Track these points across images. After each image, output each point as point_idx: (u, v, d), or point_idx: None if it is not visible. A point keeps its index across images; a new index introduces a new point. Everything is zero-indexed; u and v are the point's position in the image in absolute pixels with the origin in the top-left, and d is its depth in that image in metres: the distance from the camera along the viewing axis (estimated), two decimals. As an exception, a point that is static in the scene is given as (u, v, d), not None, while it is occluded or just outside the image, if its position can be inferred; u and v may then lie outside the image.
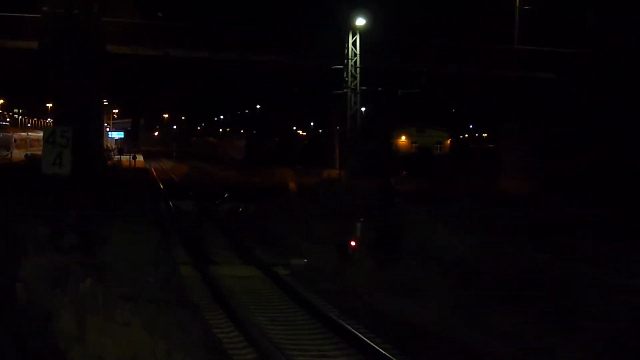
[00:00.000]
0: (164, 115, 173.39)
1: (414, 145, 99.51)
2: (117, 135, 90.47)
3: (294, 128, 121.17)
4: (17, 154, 65.59)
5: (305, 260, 22.18)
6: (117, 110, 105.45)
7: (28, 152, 67.12)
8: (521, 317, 14.44)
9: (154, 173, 69.76)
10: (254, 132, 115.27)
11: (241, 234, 29.20)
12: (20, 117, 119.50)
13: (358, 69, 42.17)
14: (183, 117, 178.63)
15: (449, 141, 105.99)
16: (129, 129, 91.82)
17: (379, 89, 43.45)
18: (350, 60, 42.31)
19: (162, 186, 50.80)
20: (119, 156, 65.03)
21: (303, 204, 39.30)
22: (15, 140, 72.13)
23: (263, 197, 42.19)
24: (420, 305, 15.81)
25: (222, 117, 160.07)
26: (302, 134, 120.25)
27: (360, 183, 43.89)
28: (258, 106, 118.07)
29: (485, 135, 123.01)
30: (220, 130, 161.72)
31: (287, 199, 45.88)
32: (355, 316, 14.98)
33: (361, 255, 20.51)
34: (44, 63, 42.19)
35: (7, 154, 63.18)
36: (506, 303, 15.27)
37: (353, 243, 20.42)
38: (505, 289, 15.92)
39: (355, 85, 42.19)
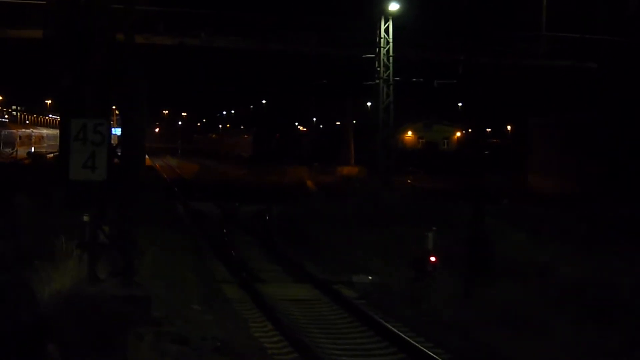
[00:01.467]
0: (164, 112, 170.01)
1: (420, 140, 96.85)
2: (118, 131, 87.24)
3: (296, 124, 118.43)
4: (21, 152, 62.27)
5: (370, 278, 18.84)
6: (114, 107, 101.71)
7: (30, 150, 63.77)
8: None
9: (162, 172, 66.43)
10: (259, 128, 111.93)
11: (278, 242, 25.84)
12: (19, 113, 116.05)
13: (391, 58, 38.71)
14: (184, 114, 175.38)
15: (456, 136, 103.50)
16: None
17: (414, 79, 39.99)
18: (382, 49, 38.82)
19: (175, 187, 47.51)
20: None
21: (332, 206, 36.17)
22: (20, 137, 68.75)
23: (284, 197, 39.34)
24: (547, 348, 12.41)
25: (224, 113, 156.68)
26: (303, 130, 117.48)
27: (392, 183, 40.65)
28: (264, 101, 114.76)
29: (490, 130, 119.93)
30: (220, 126, 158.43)
31: (313, 199, 42.78)
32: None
33: (441, 273, 17.15)
34: (50, 53, 39.00)
35: (13, 152, 59.80)
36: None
37: (433, 258, 17.02)
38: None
39: (388, 75, 38.72)
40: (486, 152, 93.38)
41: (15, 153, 59.53)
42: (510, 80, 48.82)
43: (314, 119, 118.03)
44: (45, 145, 74.44)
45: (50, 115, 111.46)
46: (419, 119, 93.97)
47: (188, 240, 24.35)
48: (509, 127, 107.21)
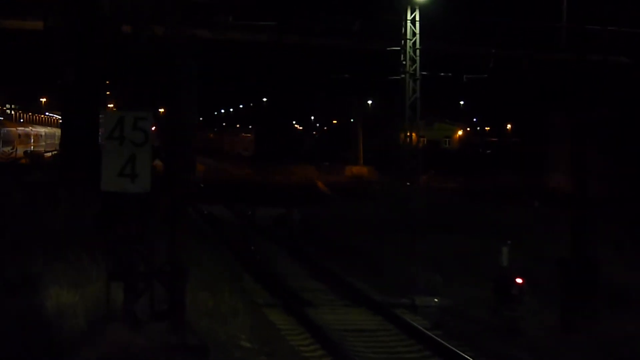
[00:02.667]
0: (159, 110, 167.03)
1: (422, 139, 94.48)
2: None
3: (293, 122, 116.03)
4: (20, 151, 59.32)
5: (436, 300, 16.11)
6: (112, 105, 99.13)
7: (28, 149, 60.83)
8: None
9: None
10: (261, 126, 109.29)
11: (310, 252, 23.11)
12: (14, 112, 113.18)
13: (418, 51, 35.88)
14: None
15: (457, 135, 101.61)
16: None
17: (441, 74, 37.22)
18: (408, 41, 36.00)
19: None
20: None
21: (356, 209, 33.67)
22: (19, 136, 65.72)
23: (298, 199, 36.82)
24: None
25: (222, 111, 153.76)
26: (299, 128, 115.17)
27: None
28: (264, 99, 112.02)
29: (488, 128, 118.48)
30: (223, 124, 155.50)
31: (332, 202, 40.26)
32: None
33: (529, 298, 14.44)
34: (51, 46, 36.36)
35: (12, 152, 56.89)
36: None
37: (519, 280, 14.29)
38: None
39: (415, 69, 35.90)
40: (488, 151, 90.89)
41: (15, 152, 56.66)
42: (533, 76, 46.26)
43: (312, 118, 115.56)
44: (43, 144, 71.62)
45: (47, 114, 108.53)
46: (420, 117, 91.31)
47: (212, 250, 21.58)
48: (508, 126, 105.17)
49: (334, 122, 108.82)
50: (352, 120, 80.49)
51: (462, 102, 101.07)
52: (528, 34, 38.83)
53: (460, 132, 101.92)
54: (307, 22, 37.57)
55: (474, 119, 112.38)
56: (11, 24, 38.03)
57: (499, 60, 37.83)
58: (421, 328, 13.90)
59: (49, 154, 59.33)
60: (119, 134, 8.79)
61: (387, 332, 14.20)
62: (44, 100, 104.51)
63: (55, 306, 11.49)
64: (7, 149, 57.94)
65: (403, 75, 36.39)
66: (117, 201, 9.04)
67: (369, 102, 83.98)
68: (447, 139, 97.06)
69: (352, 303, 16.48)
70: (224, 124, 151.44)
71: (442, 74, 37.61)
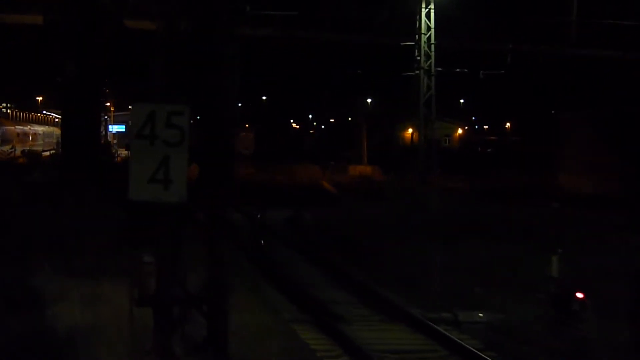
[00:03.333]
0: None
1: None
2: (117, 128, 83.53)
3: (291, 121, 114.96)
4: (19, 151, 57.79)
5: (481, 315, 14.65)
6: (108, 104, 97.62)
7: (25, 148, 59.28)
8: None
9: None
10: (261, 125, 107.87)
11: (329, 258, 21.63)
12: (10, 110, 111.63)
13: (432, 46, 34.49)
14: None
15: (457, 133, 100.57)
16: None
17: (457, 70, 35.81)
18: (423, 36, 34.60)
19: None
20: (127, 151, 57.03)
21: (370, 210, 32.32)
22: (18, 135, 64.10)
23: (306, 199, 35.41)
24: None
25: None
26: (295, 127, 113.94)
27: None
28: (264, 97, 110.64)
29: (487, 127, 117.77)
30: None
31: (344, 203, 38.85)
32: None
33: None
34: (51, 41, 35.02)
35: (12, 151, 55.31)
36: None
37: (580, 295, 12.86)
38: None
39: (430, 65, 34.49)
40: (488, 150, 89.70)
41: (14, 152, 55.08)
42: (545, 72, 44.95)
43: (310, 116, 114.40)
44: (40, 143, 70.08)
45: (45, 112, 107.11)
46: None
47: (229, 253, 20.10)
48: (507, 124, 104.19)
49: (331, 120, 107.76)
50: (350, 119, 79.23)
51: (462, 101, 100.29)
52: (544, 29, 37.48)
53: (460, 131, 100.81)
54: (324, 14, 36.17)
55: (473, 118, 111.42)
56: (10, 19, 36.79)
57: (516, 55, 36.50)
58: (472, 349, 12.44)
59: (47, 153, 57.91)
60: (149, 131, 7.31)
61: (434, 353, 12.74)
62: (39, 98, 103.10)
63: (66, 330, 10.07)
64: (7, 148, 56.40)
65: (417, 72, 35.09)
66: (145, 212, 7.56)
67: (369, 100, 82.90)
68: (447, 138, 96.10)
69: (388, 318, 14.99)
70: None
71: (458, 70, 36.19)
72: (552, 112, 70.45)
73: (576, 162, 50.61)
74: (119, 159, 51.97)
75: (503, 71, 36.67)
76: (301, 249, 23.77)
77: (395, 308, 15.45)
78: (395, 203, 34.17)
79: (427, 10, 34.47)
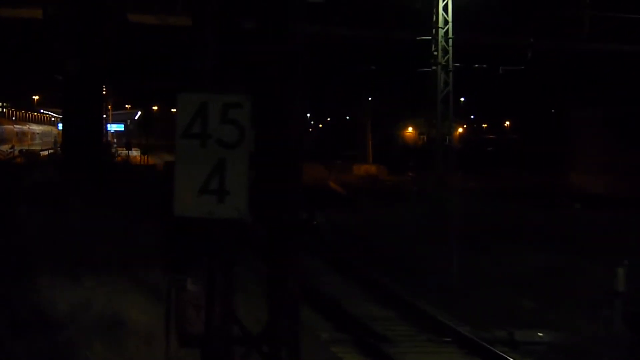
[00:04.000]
0: (153, 108, 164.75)
1: (421, 137, 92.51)
2: (116, 127, 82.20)
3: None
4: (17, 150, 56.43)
5: (541, 335, 13.14)
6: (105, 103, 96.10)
7: (23, 148, 57.79)
8: None
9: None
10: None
11: (355, 266, 20.13)
12: (6, 109, 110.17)
13: (450, 41, 32.91)
14: (174, 110, 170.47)
15: (457, 132, 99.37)
16: (134, 119, 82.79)
17: (476, 65, 34.22)
18: (440, 30, 33.01)
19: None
20: (127, 151, 55.52)
21: (388, 213, 30.96)
22: (17, 134, 62.67)
23: (316, 201, 33.95)
24: None
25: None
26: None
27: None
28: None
29: (485, 125, 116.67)
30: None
31: (357, 205, 37.45)
32: None
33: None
34: (52, 37, 33.52)
35: (11, 151, 53.87)
36: None
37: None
38: None
39: (447, 60, 32.93)
40: (489, 149, 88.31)
41: (14, 151, 53.63)
42: (558, 68, 43.50)
43: (308, 115, 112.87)
44: (38, 142, 68.67)
45: (42, 111, 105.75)
46: (421, 115, 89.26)
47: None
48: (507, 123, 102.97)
49: (328, 119, 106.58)
50: (348, 117, 77.90)
51: (462, 99, 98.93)
52: (564, 23, 35.99)
53: (460, 130, 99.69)
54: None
55: (472, 116, 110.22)
56: (7, 12, 35.33)
57: (537, 50, 34.99)
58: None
59: (45, 153, 56.50)
60: (200, 129, 5.73)
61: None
62: (36, 97, 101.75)
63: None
64: (6, 147, 54.93)
65: (434, 67, 33.49)
66: (194, 229, 6.02)
67: (369, 99, 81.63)
68: (448, 137, 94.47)
69: (436, 337, 13.48)
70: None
71: (477, 65, 34.65)
72: (552, 110, 69.14)
73: (588, 161, 49.47)
74: (119, 158, 50.64)
75: (523, 67, 35.10)
76: (322, 256, 22.24)
77: (441, 325, 13.95)
78: (412, 205, 32.67)
79: (444, 2, 32.90)
